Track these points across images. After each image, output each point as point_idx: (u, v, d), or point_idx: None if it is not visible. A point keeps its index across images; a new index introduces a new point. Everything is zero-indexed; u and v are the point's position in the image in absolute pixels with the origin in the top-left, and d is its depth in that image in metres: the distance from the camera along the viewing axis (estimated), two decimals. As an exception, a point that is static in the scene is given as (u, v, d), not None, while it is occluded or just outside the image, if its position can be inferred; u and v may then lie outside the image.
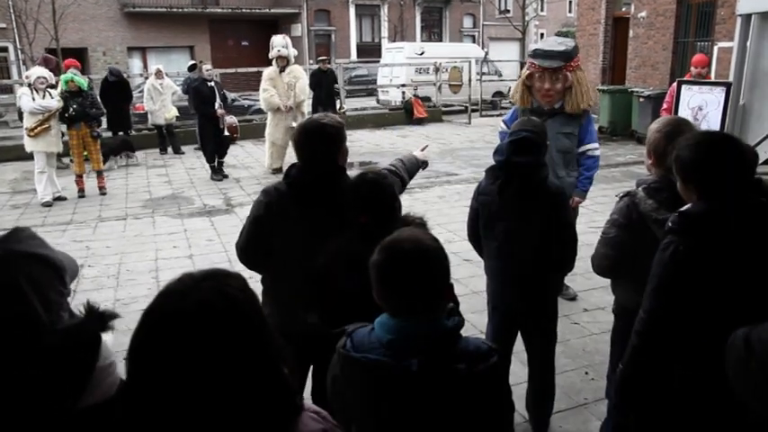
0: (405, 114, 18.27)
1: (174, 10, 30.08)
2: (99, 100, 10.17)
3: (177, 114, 13.83)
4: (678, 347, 2.18)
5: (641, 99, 13.12)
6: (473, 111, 18.70)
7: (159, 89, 13.46)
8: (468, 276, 5.52)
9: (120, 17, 29.45)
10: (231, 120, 11.89)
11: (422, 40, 33.93)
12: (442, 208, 8.44)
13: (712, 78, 8.92)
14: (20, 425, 1.18)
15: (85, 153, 9.80)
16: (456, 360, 1.66)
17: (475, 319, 4.49)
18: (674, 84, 8.13)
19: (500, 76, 23.08)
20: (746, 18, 8.31)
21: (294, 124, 11.06)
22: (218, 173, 10.94)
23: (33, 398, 1.18)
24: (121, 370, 1.27)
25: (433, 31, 38.45)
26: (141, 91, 14.70)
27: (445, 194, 9.40)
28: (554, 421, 3.55)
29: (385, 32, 34.30)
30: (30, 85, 9.12)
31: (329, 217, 2.69)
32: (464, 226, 3.57)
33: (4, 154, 13.05)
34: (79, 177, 9.83)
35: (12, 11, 23.55)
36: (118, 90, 12.81)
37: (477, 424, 1.71)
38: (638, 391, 2.30)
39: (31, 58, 20.18)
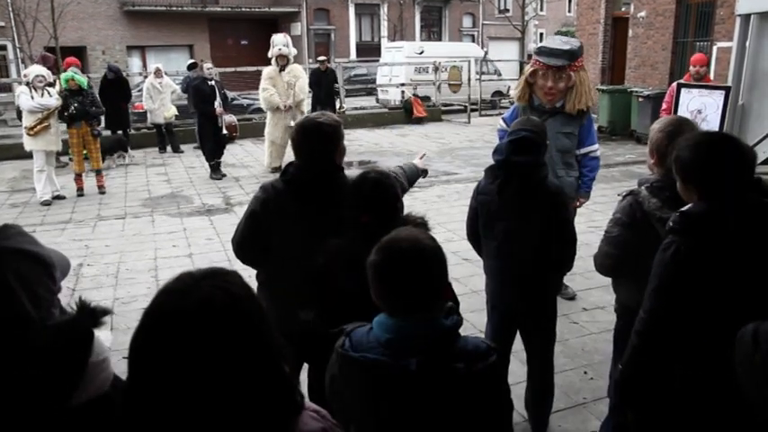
0: (404, 114, 18.28)
1: (174, 9, 30.04)
2: (98, 98, 10.15)
3: (176, 113, 13.83)
4: (679, 347, 2.18)
5: (640, 99, 13.12)
6: (472, 110, 18.70)
7: (158, 88, 13.46)
8: (468, 275, 5.52)
9: (119, 16, 29.40)
10: (230, 119, 11.90)
11: (421, 40, 33.90)
12: (442, 207, 8.44)
13: (711, 78, 8.91)
14: (12, 422, 1.18)
15: (84, 152, 9.79)
16: (455, 359, 1.66)
17: (474, 319, 4.49)
18: (674, 84, 8.13)
19: (499, 75, 23.07)
20: (746, 18, 8.31)
21: (293, 123, 11.06)
22: (217, 172, 10.94)
23: (25, 395, 1.18)
24: (122, 369, 1.27)
25: (432, 31, 38.43)
26: (140, 90, 14.69)
27: (444, 194, 9.40)
28: (553, 420, 3.55)
29: (384, 32, 34.29)
30: (28, 84, 9.11)
31: (326, 215, 2.70)
32: (463, 225, 3.57)
33: (3, 152, 13.04)
34: (78, 176, 9.83)
35: (10, 9, 23.50)
36: (116, 88, 12.81)
37: (477, 423, 1.71)
38: (638, 391, 2.30)
39: (29, 57, 20.13)
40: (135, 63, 29.45)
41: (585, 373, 4.16)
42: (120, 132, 13.09)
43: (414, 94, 18.84)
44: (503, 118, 5.17)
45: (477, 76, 19.91)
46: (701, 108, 7.65)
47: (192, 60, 16.47)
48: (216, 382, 1.13)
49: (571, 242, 3.16)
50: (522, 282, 3.19)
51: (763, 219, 2.05)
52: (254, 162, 12.32)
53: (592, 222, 6.83)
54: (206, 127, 10.88)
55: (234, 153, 13.16)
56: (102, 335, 1.34)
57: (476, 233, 3.40)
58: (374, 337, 1.71)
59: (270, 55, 10.97)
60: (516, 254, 3.15)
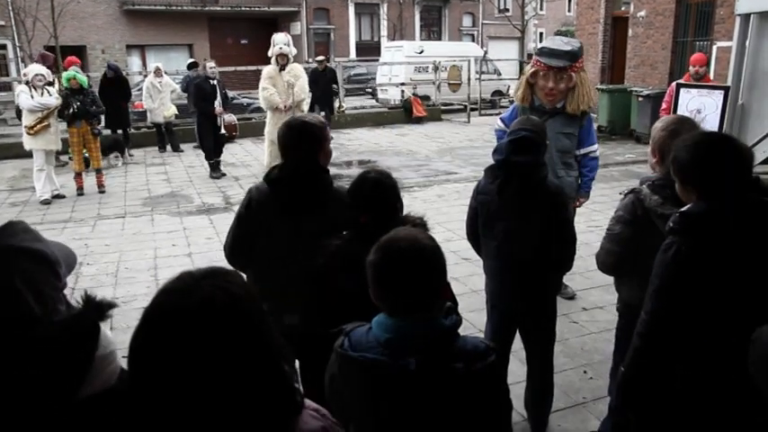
0: (404, 113, 18.28)
1: (174, 8, 30.04)
2: (98, 97, 10.15)
3: (176, 113, 13.83)
4: (680, 348, 2.18)
5: (640, 98, 13.12)
6: (472, 109, 18.70)
7: (158, 87, 13.45)
8: (467, 275, 5.52)
9: (119, 15, 29.40)
10: (230, 118, 11.89)
11: (421, 39, 33.90)
12: (441, 207, 8.44)
13: (711, 78, 8.91)
14: (19, 418, 1.18)
15: (84, 151, 9.79)
16: (454, 359, 1.66)
17: (474, 318, 4.49)
18: (673, 84, 8.13)
19: (499, 75, 23.08)
20: (745, 18, 8.31)
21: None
22: (216, 170, 10.95)
23: (31, 392, 1.18)
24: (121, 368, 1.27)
25: (432, 30, 38.42)
26: (140, 89, 14.69)
27: (444, 193, 9.40)
28: (553, 420, 3.55)
29: (384, 31, 34.29)
30: (28, 83, 9.10)
31: (310, 216, 2.72)
32: (463, 225, 3.57)
33: (3, 152, 13.05)
34: (78, 175, 9.83)
35: (10, 8, 23.49)
36: (116, 87, 12.81)
37: (476, 423, 1.71)
38: (640, 392, 2.30)
39: (29, 56, 20.13)
40: (135, 62, 29.45)
41: (585, 372, 4.16)
42: (120, 131, 13.10)
43: (413, 94, 18.84)
44: (501, 118, 5.15)
45: (477, 76, 19.91)
46: (701, 108, 7.65)
47: (191, 60, 16.47)
48: (216, 382, 1.13)
49: (571, 242, 3.16)
50: (522, 282, 3.19)
51: (763, 217, 2.05)
52: (254, 161, 12.32)
53: (591, 222, 6.83)
54: (205, 126, 10.88)
55: (233, 152, 13.16)
56: (104, 326, 1.34)
57: (475, 233, 3.40)
58: (373, 337, 1.71)
59: (270, 54, 10.95)
60: (516, 254, 3.14)
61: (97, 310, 1.31)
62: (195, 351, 1.11)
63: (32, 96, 8.96)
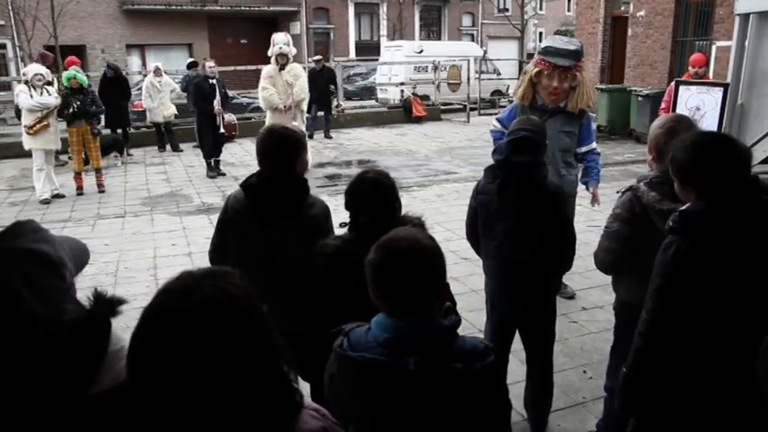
0: (403, 113, 18.27)
1: (173, 7, 30.03)
2: (98, 97, 10.16)
3: (176, 112, 13.83)
4: (680, 347, 2.18)
5: (640, 98, 13.12)
6: (472, 109, 18.70)
7: (158, 87, 13.44)
8: (467, 275, 5.52)
9: (118, 14, 29.38)
10: (230, 117, 11.89)
11: (421, 39, 33.88)
12: (441, 206, 8.44)
13: (711, 78, 8.93)
14: (27, 417, 1.18)
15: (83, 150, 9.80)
16: (453, 359, 1.66)
17: (473, 318, 4.50)
18: (673, 83, 8.14)
19: (499, 74, 23.07)
20: (745, 17, 8.32)
21: (294, 123, 11.06)
22: (213, 170, 10.95)
23: (36, 391, 1.18)
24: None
25: (431, 30, 38.41)
26: (140, 88, 14.68)
27: (444, 193, 9.40)
28: (552, 420, 3.55)
29: (384, 31, 34.28)
30: (27, 83, 9.10)
31: (287, 222, 2.76)
32: (462, 224, 3.57)
33: (3, 151, 13.04)
34: (78, 175, 9.82)
35: (10, 7, 23.47)
36: (116, 87, 12.80)
37: (475, 423, 1.71)
38: (642, 393, 2.29)
39: (29, 56, 20.13)
40: (134, 62, 29.43)
41: (585, 372, 4.16)
42: (119, 131, 13.10)
43: (413, 93, 18.83)
44: (498, 119, 5.12)
45: (477, 75, 19.91)
46: (700, 105, 7.66)
47: (191, 59, 16.45)
48: (215, 382, 1.13)
49: (570, 242, 3.16)
50: (522, 281, 3.19)
51: (762, 216, 2.05)
52: (254, 161, 12.12)
53: (591, 222, 6.83)
54: (205, 125, 10.91)
55: (233, 152, 13.15)
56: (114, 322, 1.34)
57: (475, 233, 3.40)
58: (372, 337, 1.71)
59: (270, 54, 10.95)
60: (516, 254, 3.15)
61: (108, 306, 1.31)
62: (194, 351, 1.12)
63: (32, 96, 8.95)
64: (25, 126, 9.09)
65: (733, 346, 2.09)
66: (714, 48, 11.87)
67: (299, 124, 11.22)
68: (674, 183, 2.27)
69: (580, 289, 5.39)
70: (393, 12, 33.26)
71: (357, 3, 35.14)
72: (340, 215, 2.72)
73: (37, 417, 1.18)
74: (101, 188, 9.96)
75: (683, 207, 2.14)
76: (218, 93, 10.85)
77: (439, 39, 36.90)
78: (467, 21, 39.63)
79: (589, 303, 5.18)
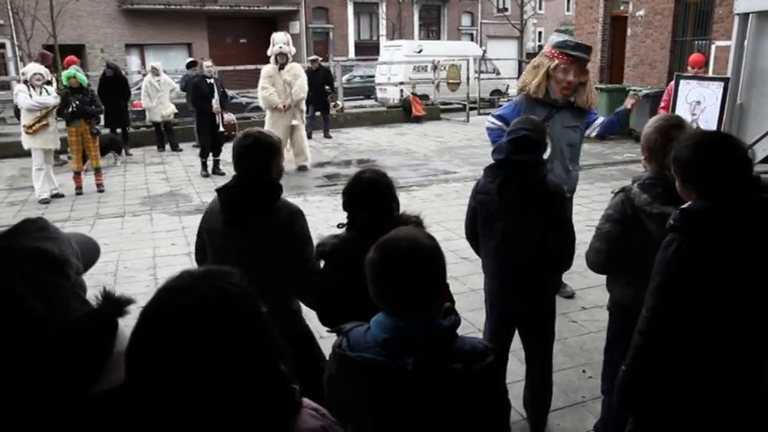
0: (403, 112, 18.27)
1: (173, 7, 30.02)
2: (98, 97, 10.15)
3: (176, 111, 13.79)
4: (680, 345, 2.18)
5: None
6: (471, 109, 18.70)
7: (156, 86, 13.43)
8: (466, 274, 5.52)
9: (117, 14, 29.38)
10: (229, 117, 11.89)
11: (420, 38, 33.88)
12: (440, 206, 8.44)
13: (710, 77, 8.93)
14: (28, 415, 1.18)
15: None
16: (452, 359, 1.65)
17: (473, 317, 4.50)
18: (672, 82, 8.14)
19: (498, 74, 23.08)
20: (744, 17, 8.32)
21: (294, 122, 11.06)
22: (205, 168, 10.95)
23: (36, 390, 1.18)
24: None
25: (431, 29, 38.41)
26: (139, 88, 14.67)
27: (443, 192, 9.40)
28: (552, 419, 3.55)
29: (383, 30, 34.26)
30: (26, 82, 9.10)
31: (254, 225, 2.78)
32: (462, 224, 3.56)
33: (2, 151, 13.03)
34: (77, 174, 9.82)
35: (9, 7, 23.45)
36: (115, 86, 12.81)
37: (474, 423, 1.71)
38: (641, 392, 2.29)
39: (28, 55, 20.12)
40: (134, 61, 29.42)
41: (584, 371, 4.17)
42: (119, 130, 13.10)
43: (412, 93, 18.83)
44: (497, 115, 5.01)
45: (476, 75, 19.90)
46: (700, 99, 7.67)
47: (191, 59, 16.44)
48: (214, 381, 1.13)
49: (570, 241, 3.16)
50: (522, 281, 3.19)
51: (762, 215, 2.05)
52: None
53: (590, 221, 6.81)
54: (203, 124, 10.93)
55: (233, 152, 13.13)
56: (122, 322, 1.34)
57: (474, 232, 3.40)
58: (371, 337, 1.71)
59: (269, 53, 10.96)
60: (515, 253, 3.15)
61: (115, 306, 1.31)
62: (192, 349, 1.11)
63: (31, 95, 8.95)
64: (24, 125, 9.08)
65: (733, 344, 2.09)
66: (713, 47, 11.87)
67: (299, 124, 11.24)
68: (676, 181, 2.27)
69: (579, 288, 5.39)
70: (392, 11, 33.24)
71: (356, 2, 35.13)
72: (339, 215, 2.72)
73: (36, 416, 1.18)
74: (100, 188, 9.95)
75: (684, 206, 2.14)
76: (216, 92, 10.85)
77: (438, 38, 36.90)
78: (466, 20, 39.63)
79: (588, 303, 5.18)
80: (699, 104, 7.63)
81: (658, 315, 2.17)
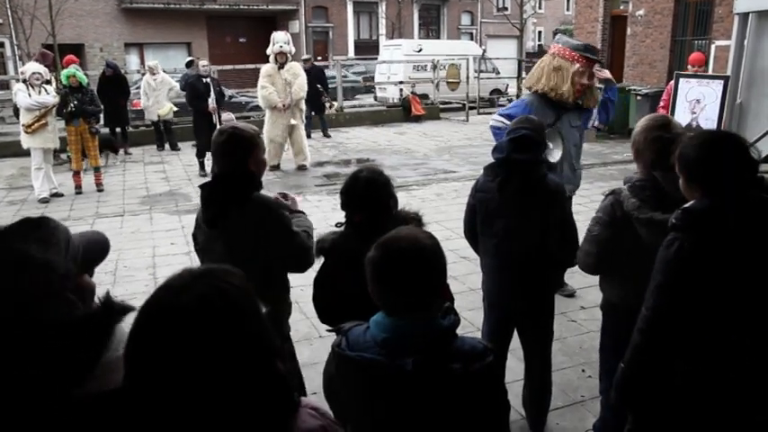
0: (402, 112, 18.26)
1: (172, 6, 30.01)
2: (97, 96, 10.14)
3: (175, 109, 13.72)
4: (681, 344, 2.18)
5: (639, 97, 13.13)
6: (471, 108, 18.69)
7: (153, 85, 13.40)
8: (466, 274, 5.52)
9: (117, 13, 29.37)
10: (229, 116, 11.87)
11: (420, 38, 33.86)
12: (440, 205, 8.44)
13: (710, 77, 8.93)
14: (12, 415, 1.19)
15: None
16: (451, 359, 1.65)
17: (472, 317, 4.50)
18: (672, 82, 8.14)
19: (498, 73, 23.05)
20: (744, 16, 8.32)
21: (293, 122, 11.06)
22: (203, 168, 10.95)
23: (21, 390, 1.18)
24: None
25: (430, 29, 38.41)
26: (138, 87, 14.65)
27: (443, 192, 9.40)
28: (551, 418, 3.55)
29: (383, 29, 34.25)
30: (25, 81, 9.09)
31: (233, 217, 2.78)
32: (461, 223, 3.57)
33: (1, 150, 13.03)
34: (76, 174, 9.81)
35: (8, 6, 23.43)
36: (115, 85, 12.80)
37: (473, 423, 1.71)
38: (640, 390, 2.29)
39: (27, 54, 20.11)
40: (133, 60, 29.42)
41: (584, 371, 4.17)
42: (118, 130, 13.09)
43: (412, 92, 18.82)
44: (505, 114, 4.91)
45: (476, 74, 19.89)
46: (700, 98, 7.67)
47: (190, 58, 16.42)
48: (211, 380, 1.12)
49: (571, 240, 3.17)
50: (522, 279, 3.19)
51: (763, 215, 2.05)
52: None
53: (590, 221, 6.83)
54: (200, 123, 10.95)
55: (232, 151, 13.12)
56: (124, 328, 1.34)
57: (473, 230, 3.40)
58: (371, 337, 1.71)
59: (269, 52, 10.95)
60: (515, 252, 3.15)
61: (109, 313, 1.31)
62: (189, 348, 1.11)
63: (30, 95, 8.94)
64: (23, 125, 9.08)
65: (734, 343, 2.09)
66: (713, 47, 11.88)
67: (298, 123, 11.23)
68: (680, 180, 2.27)
69: (579, 288, 5.39)
70: (392, 10, 33.23)
71: (356, 1, 35.14)
72: (338, 214, 2.72)
73: (19, 415, 1.18)
74: (99, 187, 9.95)
75: (686, 205, 2.14)
76: (212, 91, 10.86)
77: (438, 38, 36.90)
78: (466, 20, 39.63)
79: (588, 302, 5.18)
80: (699, 103, 7.64)
81: (659, 314, 2.16)
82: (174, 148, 13.72)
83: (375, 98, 22.28)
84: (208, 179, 3.03)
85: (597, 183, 9.27)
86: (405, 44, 22.77)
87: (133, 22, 29.59)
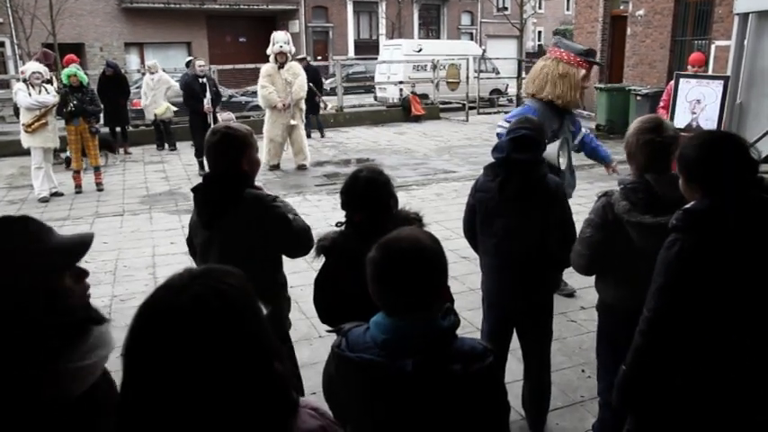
0: (402, 111, 18.26)
1: (172, 6, 30.01)
2: (97, 96, 10.14)
3: (175, 109, 13.66)
4: (682, 345, 2.17)
5: (638, 97, 13.12)
6: (470, 108, 18.69)
7: (151, 85, 13.38)
8: (466, 274, 5.52)
9: (117, 13, 29.37)
10: (228, 116, 11.86)
11: (420, 38, 33.86)
12: (440, 205, 8.44)
13: (710, 77, 8.93)
14: None
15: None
16: (451, 361, 1.65)
17: (472, 317, 4.50)
18: (672, 82, 8.14)
19: (497, 73, 23.06)
20: (744, 17, 8.33)
21: (293, 121, 11.06)
22: (203, 167, 10.94)
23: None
24: (119, 366, 1.27)
25: (430, 29, 38.42)
26: (138, 86, 14.64)
27: (442, 192, 9.40)
28: (551, 419, 3.55)
29: (383, 29, 34.25)
30: (25, 81, 9.09)
31: (234, 219, 2.78)
32: (461, 223, 3.57)
33: (1, 149, 13.02)
34: (76, 173, 9.81)
35: (8, 5, 23.43)
36: (115, 85, 12.79)
37: (473, 425, 1.71)
38: (641, 392, 2.28)
39: (27, 54, 20.10)
40: (133, 60, 29.42)
41: (583, 371, 4.16)
42: (118, 129, 13.08)
43: (412, 92, 18.81)
44: (511, 119, 4.78)
45: (476, 74, 19.89)
46: (700, 98, 7.67)
47: (190, 57, 16.41)
48: (208, 381, 1.12)
49: (571, 240, 3.16)
50: (522, 279, 3.20)
51: (764, 215, 2.05)
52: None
53: (590, 221, 6.83)
54: (196, 123, 10.95)
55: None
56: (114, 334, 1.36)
57: (472, 230, 3.41)
58: (371, 338, 1.70)
59: (269, 52, 10.95)
60: (515, 251, 3.15)
61: (79, 322, 1.36)
62: (185, 349, 1.11)
63: (30, 94, 8.94)
64: (23, 124, 9.08)
65: (734, 344, 2.09)
66: (713, 47, 11.89)
67: (298, 123, 11.23)
68: (680, 180, 2.27)
69: (579, 288, 5.39)
70: (392, 10, 33.23)
71: (356, 1, 35.14)
72: (338, 214, 2.72)
73: None
74: (99, 186, 9.94)
75: (687, 206, 2.14)
76: (208, 91, 10.86)
77: (438, 37, 36.91)
78: (466, 19, 39.64)
79: (588, 302, 5.17)
80: (699, 103, 7.64)
81: (660, 315, 2.16)
82: (172, 147, 13.65)
83: (375, 98, 22.27)
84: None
85: (597, 183, 9.26)
86: (405, 44, 22.76)
87: (133, 21, 29.59)
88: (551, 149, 3.91)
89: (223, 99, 12.58)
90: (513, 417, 3.12)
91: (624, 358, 2.30)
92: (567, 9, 41.50)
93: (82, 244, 1.54)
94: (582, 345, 4.51)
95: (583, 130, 5.19)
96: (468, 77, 19.43)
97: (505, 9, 32.34)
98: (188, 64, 14.25)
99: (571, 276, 5.32)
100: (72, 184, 9.81)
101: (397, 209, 2.63)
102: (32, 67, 9.33)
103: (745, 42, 8.33)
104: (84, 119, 9.49)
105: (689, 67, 8.28)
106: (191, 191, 2.98)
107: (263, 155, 11.52)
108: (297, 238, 2.87)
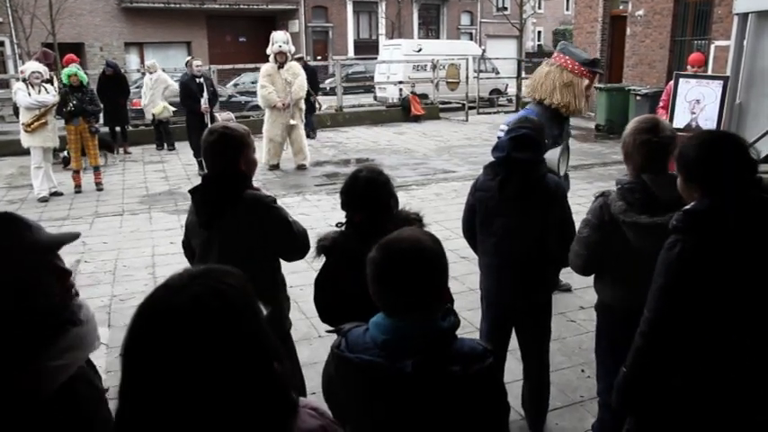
0: (402, 111, 18.25)
1: (172, 5, 30.00)
2: (97, 96, 10.14)
3: (173, 108, 13.61)
4: (682, 345, 2.17)
5: (638, 97, 13.12)
6: (470, 108, 18.68)
7: (149, 84, 13.36)
8: (465, 274, 5.52)
9: (117, 12, 29.35)
10: (228, 116, 11.87)
11: (419, 38, 33.85)
12: (439, 205, 8.44)
13: (709, 77, 8.93)
14: None
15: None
16: (451, 361, 1.65)
17: (472, 317, 4.50)
18: (671, 82, 8.14)
19: (497, 73, 23.05)
20: (743, 17, 8.32)
21: (292, 121, 11.06)
22: (202, 167, 10.93)
23: None
24: (118, 367, 1.27)
25: (430, 29, 38.40)
26: (138, 86, 14.63)
27: (442, 192, 9.40)
28: (550, 418, 3.55)
29: (382, 29, 34.24)
30: (25, 80, 9.08)
31: (232, 219, 2.78)
32: (461, 223, 3.56)
33: (1, 149, 13.01)
34: (76, 173, 9.81)
35: (8, 5, 23.42)
36: (115, 85, 12.78)
37: (473, 425, 1.71)
38: (642, 393, 2.28)
39: (27, 53, 20.10)
40: (133, 60, 29.40)
41: (583, 371, 4.16)
42: (117, 129, 13.06)
43: (412, 92, 18.81)
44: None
45: (475, 74, 19.88)
46: (700, 98, 7.66)
47: (189, 57, 16.40)
48: (207, 381, 1.12)
49: (571, 239, 3.16)
50: (521, 278, 3.20)
51: (763, 215, 2.05)
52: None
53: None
54: (193, 123, 10.96)
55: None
56: (100, 331, 1.36)
57: (471, 229, 3.41)
58: (370, 338, 1.70)
59: (269, 52, 10.95)
60: (515, 251, 3.16)
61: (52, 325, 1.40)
62: (183, 349, 1.11)
63: (29, 94, 8.93)
64: (23, 124, 9.08)
65: (734, 344, 2.09)
66: (713, 47, 11.89)
67: (298, 123, 11.23)
68: (678, 180, 2.27)
69: (578, 288, 5.39)
70: (392, 10, 33.21)
71: (356, 1, 35.14)
72: (338, 214, 2.72)
73: None
74: (99, 186, 9.94)
75: (687, 206, 2.14)
76: (205, 91, 10.87)
77: (437, 37, 36.91)
78: (465, 19, 39.63)
79: (587, 302, 5.17)
80: (698, 103, 7.63)
81: (661, 316, 2.16)
82: (171, 147, 13.60)
83: (375, 98, 22.26)
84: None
85: (597, 183, 9.27)
86: (404, 44, 22.75)
87: (133, 21, 29.57)
88: (552, 156, 3.91)
89: (222, 99, 12.57)
90: (512, 417, 3.12)
91: (623, 358, 2.30)
92: (567, 9, 41.48)
93: (59, 242, 1.55)
94: (581, 345, 4.51)
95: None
96: (467, 77, 19.42)
97: (505, 9, 32.35)
98: (188, 64, 14.23)
99: (570, 276, 5.32)
100: (71, 184, 9.81)
101: (398, 209, 2.63)
102: (32, 66, 9.33)
103: (745, 42, 8.33)
104: (83, 118, 9.48)
105: (688, 67, 8.27)
106: (188, 192, 2.97)
107: (262, 155, 11.53)
108: (296, 242, 2.88)
